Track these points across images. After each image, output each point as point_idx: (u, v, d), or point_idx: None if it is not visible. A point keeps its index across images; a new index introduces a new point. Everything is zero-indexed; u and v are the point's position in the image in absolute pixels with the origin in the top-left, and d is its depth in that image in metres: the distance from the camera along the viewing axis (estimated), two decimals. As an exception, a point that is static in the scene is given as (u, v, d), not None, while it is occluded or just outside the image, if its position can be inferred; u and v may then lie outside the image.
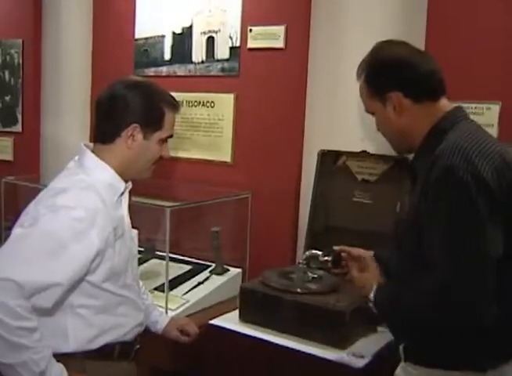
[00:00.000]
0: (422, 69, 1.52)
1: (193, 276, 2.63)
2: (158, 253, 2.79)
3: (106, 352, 1.66)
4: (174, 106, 1.73)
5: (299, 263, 2.24)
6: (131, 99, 1.65)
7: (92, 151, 1.69)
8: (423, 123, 1.51)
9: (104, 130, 1.68)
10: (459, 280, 1.29)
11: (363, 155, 2.36)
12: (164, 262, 2.57)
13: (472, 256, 1.29)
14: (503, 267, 1.32)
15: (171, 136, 1.75)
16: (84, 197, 1.56)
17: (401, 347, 1.52)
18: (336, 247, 2.01)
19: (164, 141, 1.72)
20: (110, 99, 1.67)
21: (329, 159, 2.44)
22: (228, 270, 2.69)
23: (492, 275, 1.30)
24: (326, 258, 2.13)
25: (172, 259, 2.50)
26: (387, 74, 1.53)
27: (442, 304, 1.32)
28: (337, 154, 2.43)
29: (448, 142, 1.39)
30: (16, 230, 1.53)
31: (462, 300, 1.30)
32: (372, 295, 1.51)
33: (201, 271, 2.69)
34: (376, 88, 1.56)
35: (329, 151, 2.44)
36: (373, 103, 1.59)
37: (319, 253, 2.19)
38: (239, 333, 2.00)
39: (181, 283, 2.55)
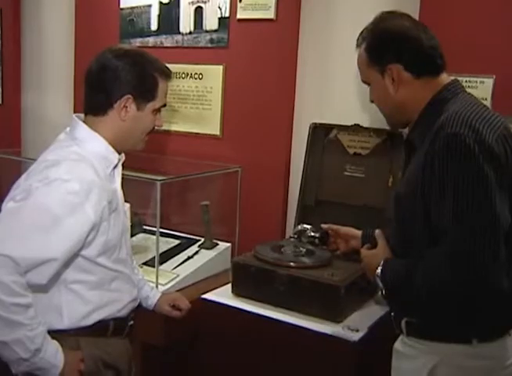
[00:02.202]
0: (425, 44, 1.49)
1: (182, 251, 2.60)
2: (145, 227, 2.76)
3: (100, 329, 1.64)
4: (167, 74, 1.68)
5: (290, 237, 2.23)
6: (122, 69, 1.60)
7: (84, 122, 1.64)
8: (421, 98, 1.50)
9: (96, 102, 1.63)
10: (470, 248, 1.28)
11: (355, 128, 2.34)
12: (152, 237, 2.56)
13: (483, 224, 1.28)
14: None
15: (164, 105, 1.71)
16: (78, 169, 1.53)
17: (403, 321, 1.50)
18: (324, 226, 2.04)
19: (157, 111, 1.68)
20: (101, 69, 1.62)
21: (320, 132, 2.41)
22: (218, 244, 2.67)
23: (503, 243, 1.29)
24: (313, 233, 2.13)
25: (160, 234, 2.46)
26: (390, 45, 1.51)
27: (455, 273, 1.30)
28: (329, 128, 2.41)
29: (451, 113, 1.38)
30: (8, 204, 1.49)
31: (474, 268, 1.28)
32: (379, 270, 1.49)
33: (190, 245, 2.66)
34: (376, 58, 1.53)
35: (320, 124, 2.41)
36: (371, 74, 1.56)
37: (308, 228, 2.19)
38: (232, 307, 1.98)
39: (170, 258, 2.52)
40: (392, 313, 1.59)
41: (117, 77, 1.60)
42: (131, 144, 1.69)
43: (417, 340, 1.48)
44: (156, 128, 1.72)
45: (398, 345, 1.57)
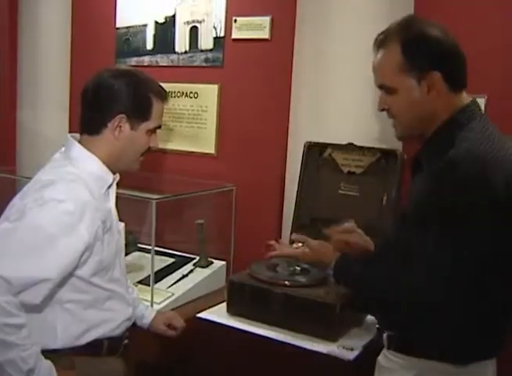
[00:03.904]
0: (462, 55, 1.45)
1: (177, 269, 2.60)
2: (140, 246, 2.76)
3: (94, 348, 1.63)
4: (163, 95, 1.69)
5: (285, 256, 2.23)
6: (117, 88, 1.61)
7: (79, 142, 1.65)
8: (445, 112, 1.44)
9: (90, 121, 1.64)
10: (432, 280, 1.32)
11: (349, 147, 2.35)
12: (147, 255, 2.55)
13: (456, 263, 1.31)
14: (492, 266, 1.34)
15: (159, 127, 1.71)
16: (73, 189, 1.53)
17: (384, 335, 1.52)
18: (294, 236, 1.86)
19: (152, 132, 1.69)
20: (96, 88, 1.63)
21: (314, 151, 2.42)
22: (212, 263, 2.67)
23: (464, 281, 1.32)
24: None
25: (155, 252, 2.47)
26: (433, 51, 1.41)
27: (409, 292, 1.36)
28: (323, 146, 2.42)
29: (464, 147, 1.35)
30: (3, 224, 1.49)
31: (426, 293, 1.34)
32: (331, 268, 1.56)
33: (185, 264, 2.66)
34: (417, 62, 1.41)
35: (314, 143, 2.43)
36: (403, 78, 1.43)
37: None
38: (227, 326, 1.98)
39: (165, 276, 2.52)
40: (377, 326, 1.62)
41: (111, 96, 1.61)
42: (125, 164, 1.69)
43: (396, 354, 1.49)
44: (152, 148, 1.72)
45: (380, 358, 1.58)
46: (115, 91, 1.61)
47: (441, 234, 1.32)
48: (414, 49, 1.42)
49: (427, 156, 1.47)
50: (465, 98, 1.47)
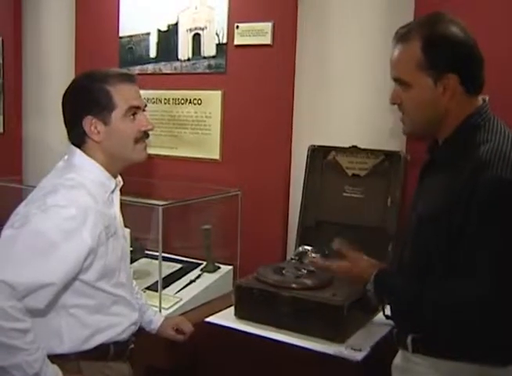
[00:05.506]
0: (481, 59, 1.43)
1: (184, 275, 2.61)
2: (147, 252, 2.78)
3: (100, 353, 1.64)
4: (123, 77, 1.64)
5: (291, 259, 2.25)
6: (72, 95, 1.64)
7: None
8: (459, 114, 1.43)
9: (72, 136, 1.66)
10: (500, 298, 1.28)
11: (353, 150, 2.36)
12: (154, 261, 2.57)
13: None
14: None
15: (137, 107, 1.65)
16: (75, 195, 1.54)
17: (409, 338, 1.46)
18: (335, 244, 1.73)
19: (131, 114, 1.64)
20: (62, 106, 1.67)
21: (319, 154, 2.44)
22: (219, 268, 2.68)
23: None
24: (314, 255, 2.14)
25: (162, 258, 2.48)
26: (455, 54, 1.40)
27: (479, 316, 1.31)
28: (327, 150, 2.43)
29: (489, 147, 1.34)
30: (6, 231, 1.51)
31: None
32: (371, 283, 1.49)
33: (192, 269, 2.67)
34: (436, 62, 1.39)
35: (318, 147, 2.44)
36: (419, 76, 1.41)
37: (309, 249, 2.21)
38: (236, 330, 1.99)
39: (172, 282, 2.53)
40: (395, 329, 1.58)
41: (71, 106, 1.64)
42: (126, 158, 1.67)
43: (424, 357, 1.44)
44: (144, 130, 1.67)
45: (399, 361, 1.54)
46: (71, 99, 1.64)
47: (502, 235, 1.29)
48: (435, 49, 1.40)
49: (446, 157, 1.45)
50: (479, 100, 1.46)
